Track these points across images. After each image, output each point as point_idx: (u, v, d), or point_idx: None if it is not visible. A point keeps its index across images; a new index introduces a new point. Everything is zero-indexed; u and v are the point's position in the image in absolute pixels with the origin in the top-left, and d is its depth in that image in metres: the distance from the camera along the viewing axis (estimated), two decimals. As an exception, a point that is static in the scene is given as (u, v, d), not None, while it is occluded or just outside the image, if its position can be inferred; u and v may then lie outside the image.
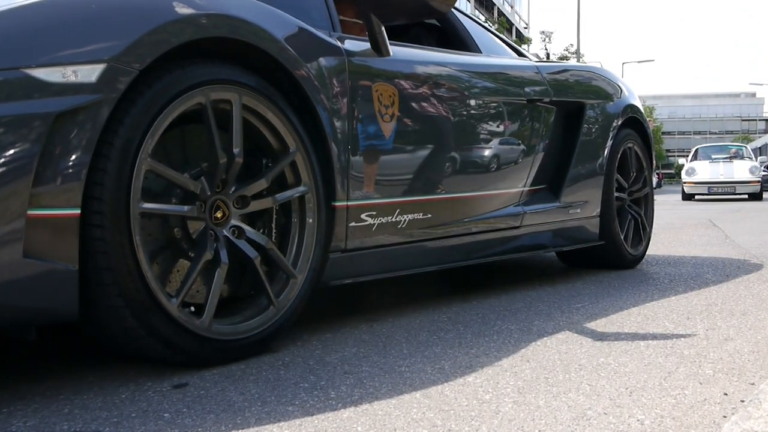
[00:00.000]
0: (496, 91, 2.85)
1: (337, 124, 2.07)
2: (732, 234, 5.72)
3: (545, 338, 2.04)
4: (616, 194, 3.49)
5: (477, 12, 43.29)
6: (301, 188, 1.98)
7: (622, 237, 3.48)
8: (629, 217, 3.60)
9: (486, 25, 3.53)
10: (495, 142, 2.79)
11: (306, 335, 2.10)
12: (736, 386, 1.56)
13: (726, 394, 1.51)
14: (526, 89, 2.99)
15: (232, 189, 1.85)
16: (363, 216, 2.18)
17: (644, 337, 2.05)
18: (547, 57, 43.02)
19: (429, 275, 3.20)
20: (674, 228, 6.52)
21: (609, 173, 3.40)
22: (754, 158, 17.21)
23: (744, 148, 17.87)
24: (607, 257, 3.50)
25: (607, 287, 2.98)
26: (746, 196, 15.25)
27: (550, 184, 3.20)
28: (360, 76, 2.17)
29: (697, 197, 15.56)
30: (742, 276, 3.28)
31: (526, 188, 3.01)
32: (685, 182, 15.69)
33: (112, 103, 1.52)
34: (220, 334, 1.75)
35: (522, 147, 2.95)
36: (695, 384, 1.58)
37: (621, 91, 3.68)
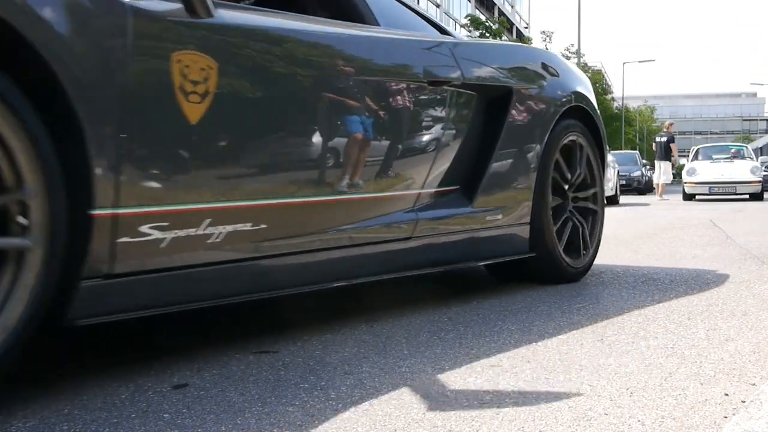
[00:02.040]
0: (378, 70, 2.31)
1: (101, 101, 1.53)
2: (733, 234, 5.71)
3: (546, 339, 2.04)
4: (554, 197, 3.01)
5: (477, 11, 43.31)
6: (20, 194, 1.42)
7: (560, 247, 2.98)
8: (571, 223, 3.10)
9: None
10: (370, 132, 2.24)
11: (306, 335, 2.10)
12: (737, 387, 1.56)
13: (727, 394, 1.50)
14: (426, 68, 2.45)
15: None
16: (144, 228, 1.62)
17: (645, 337, 2.04)
18: (548, 57, 42.92)
19: (429, 275, 3.20)
20: (675, 228, 6.52)
21: (543, 172, 2.91)
22: (755, 158, 17.19)
23: (745, 148, 17.86)
24: (540, 270, 3.01)
25: (608, 287, 2.98)
26: (747, 197, 15.25)
27: (465, 185, 2.67)
28: (151, 41, 1.63)
29: (697, 197, 15.55)
30: (743, 276, 3.28)
31: (425, 190, 2.47)
32: (685, 182, 15.68)
33: None
34: None
35: (416, 140, 2.43)
36: (696, 384, 1.58)
37: (563, 75, 3.15)
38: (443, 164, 2.54)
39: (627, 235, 5.78)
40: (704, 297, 2.72)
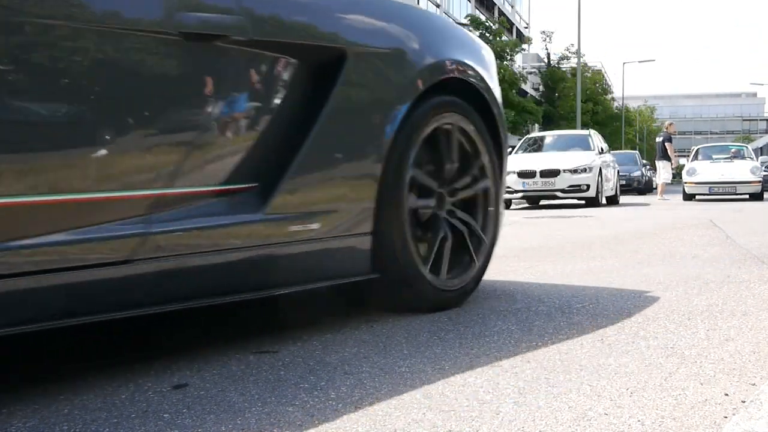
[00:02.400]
0: (78, 13, 1.51)
1: None
2: (733, 234, 5.71)
3: (546, 339, 2.04)
4: (420, 198, 2.34)
5: (477, 12, 43.32)
6: None
7: (423, 265, 2.28)
8: (445, 232, 2.40)
9: None
10: (46, 103, 1.48)
11: (306, 335, 2.10)
12: (737, 387, 1.56)
13: (727, 394, 1.50)
14: (184, 17, 1.69)
15: None
16: None
17: (645, 337, 2.04)
18: (548, 57, 43.05)
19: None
20: (675, 228, 6.52)
21: (396, 165, 2.19)
22: (755, 158, 17.21)
23: (745, 148, 17.88)
24: (393, 295, 2.33)
25: (608, 287, 2.98)
26: (747, 197, 15.27)
27: (267, 183, 1.91)
28: None
29: (697, 197, 15.57)
30: (743, 276, 3.28)
31: (175, 190, 1.72)
32: (685, 182, 15.71)
33: None
34: None
35: (155, 116, 1.67)
36: (696, 384, 1.58)
37: (436, 37, 2.41)
38: (219, 153, 1.81)
39: (627, 235, 5.78)
40: (704, 297, 2.72)
